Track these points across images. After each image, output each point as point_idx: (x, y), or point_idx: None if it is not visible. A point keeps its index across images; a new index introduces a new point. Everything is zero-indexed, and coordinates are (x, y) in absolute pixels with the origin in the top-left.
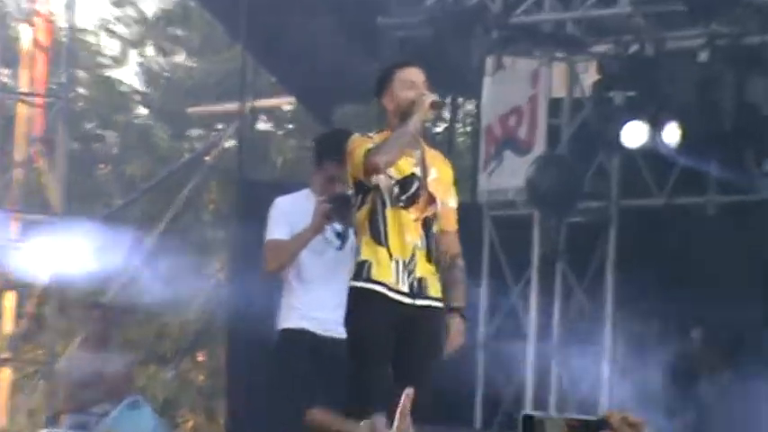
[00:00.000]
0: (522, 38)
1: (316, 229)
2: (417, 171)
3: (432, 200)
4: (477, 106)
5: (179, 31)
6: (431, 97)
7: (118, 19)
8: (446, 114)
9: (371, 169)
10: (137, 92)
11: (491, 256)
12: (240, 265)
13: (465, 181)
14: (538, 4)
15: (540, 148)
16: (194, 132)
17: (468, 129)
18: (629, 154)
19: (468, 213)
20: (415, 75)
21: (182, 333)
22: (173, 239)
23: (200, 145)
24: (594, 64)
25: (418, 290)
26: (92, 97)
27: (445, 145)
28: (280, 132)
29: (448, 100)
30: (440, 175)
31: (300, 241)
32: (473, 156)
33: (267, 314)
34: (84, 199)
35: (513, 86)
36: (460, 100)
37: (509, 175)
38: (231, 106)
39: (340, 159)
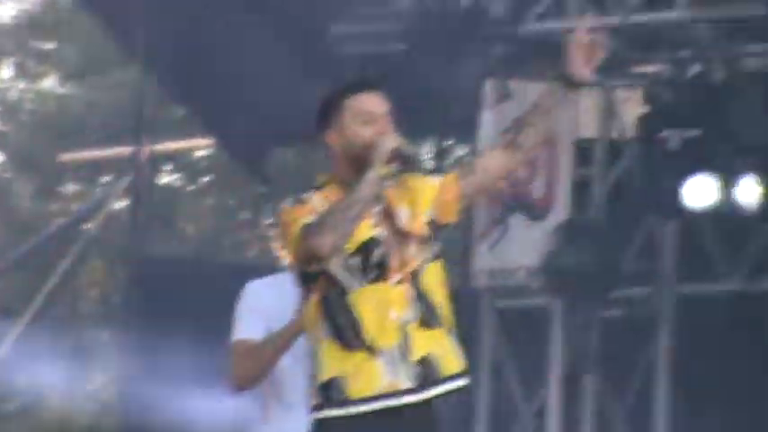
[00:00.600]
0: (535, 54)
1: (295, 327)
2: (377, 231)
3: (410, 246)
4: (473, 151)
5: (48, 44)
6: (393, 141)
7: None
8: (426, 163)
9: (312, 257)
10: None
11: (492, 364)
12: (136, 381)
13: (455, 257)
14: (558, 5)
15: (561, 211)
16: (70, 189)
17: None
18: (689, 220)
19: (460, 303)
20: (373, 103)
21: None
22: (37, 342)
23: (77, 206)
24: (639, 92)
25: (426, 376)
26: None
27: None
28: (191, 188)
29: (426, 147)
30: (416, 205)
31: (278, 343)
32: (466, 222)
33: None
34: None
35: None
36: (448, 143)
37: (518, 250)
38: (122, 151)
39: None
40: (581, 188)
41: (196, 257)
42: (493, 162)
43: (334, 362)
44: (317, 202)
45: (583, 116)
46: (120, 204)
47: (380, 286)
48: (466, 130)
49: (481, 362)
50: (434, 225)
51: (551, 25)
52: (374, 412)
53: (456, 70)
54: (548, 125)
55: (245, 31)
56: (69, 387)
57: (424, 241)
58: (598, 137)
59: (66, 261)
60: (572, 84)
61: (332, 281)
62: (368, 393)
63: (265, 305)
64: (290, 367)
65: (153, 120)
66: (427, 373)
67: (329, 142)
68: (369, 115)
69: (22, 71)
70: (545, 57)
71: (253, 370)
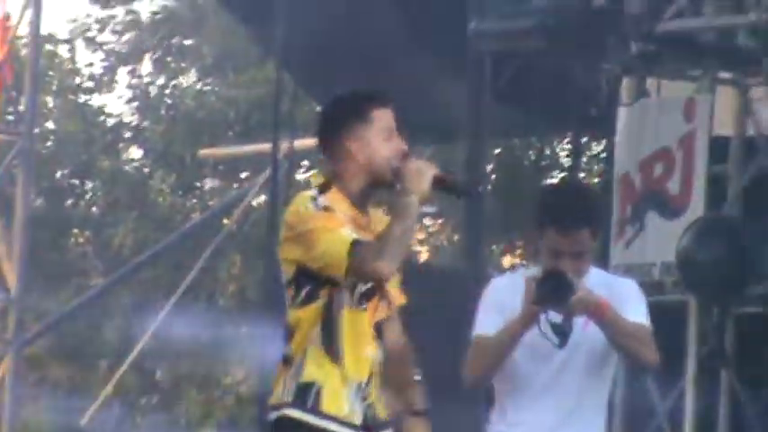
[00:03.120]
0: (672, 52)
1: (524, 319)
2: None
3: (383, 293)
4: (609, 149)
5: (188, 41)
6: (431, 170)
7: (101, 23)
8: (562, 159)
9: (367, 277)
10: (127, 126)
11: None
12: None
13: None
14: (695, 3)
15: (697, 207)
16: (208, 184)
17: (596, 180)
18: None
19: None
20: (392, 119)
21: None
22: (176, 335)
23: (216, 202)
24: None
25: (372, 420)
26: (65, 134)
27: None
28: None
29: (564, 141)
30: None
31: (506, 337)
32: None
33: None
34: (50, 278)
35: (659, 120)
36: (584, 140)
37: (654, 246)
38: (260, 147)
39: (570, 226)
40: (717, 185)
41: None
42: None
43: (318, 369)
44: (335, 202)
45: (718, 114)
46: (258, 200)
47: (362, 317)
48: (603, 125)
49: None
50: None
51: (688, 23)
52: None
53: (593, 68)
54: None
55: (382, 29)
56: (208, 380)
57: (384, 297)
58: (733, 134)
59: (205, 256)
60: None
61: (338, 292)
62: (336, 413)
63: (502, 301)
64: (527, 362)
65: (290, 116)
66: (375, 416)
67: (348, 149)
68: (391, 132)
69: (161, 67)
70: (682, 55)
71: (486, 364)
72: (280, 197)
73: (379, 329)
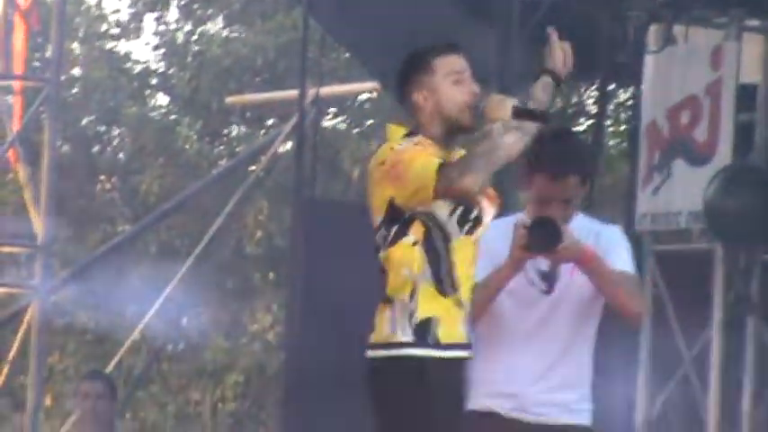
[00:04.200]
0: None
1: (512, 264)
2: None
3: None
4: (636, 96)
5: None
6: (511, 101)
7: None
8: (590, 107)
9: (460, 195)
10: (154, 73)
11: (655, 308)
12: (302, 321)
13: (617, 200)
14: None
15: (724, 155)
16: (235, 131)
17: (623, 127)
18: None
19: None
20: (461, 64)
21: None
22: (203, 283)
23: (243, 149)
24: None
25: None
26: (91, 81)
27: None
28: (356, 131)
29: (592, 88)
30: None
31: (492, 282)
32: (630, 165)
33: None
34: (80, 223)
35: (686, 68)
36: (611, 87)
37: (681, 194)
38: (287, 94)
39: (559, 172)
40: (744, 133)
41: (360, 201)
42: None
43: (430, 303)
44: (427, 146)
45: (746, 61)
46: (285, 147)
47: (470, 240)
48: (630, 72)
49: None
50: None
51: None
52: (456, 360)
53: (619, 15)
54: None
55: None
56: (234, 327)
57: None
58: (761, 82)
59: (232, 203)
60: (557, 79)
61: (436, 225)
62: (455, 340)
63: (492, 247)
64: (512, 308)
65: (318, 63)
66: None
67: (416, 101)
68: (459, 75)
69: (187, 14)
70: (708, 2)
71: (478, 306)
72: (306, 144)
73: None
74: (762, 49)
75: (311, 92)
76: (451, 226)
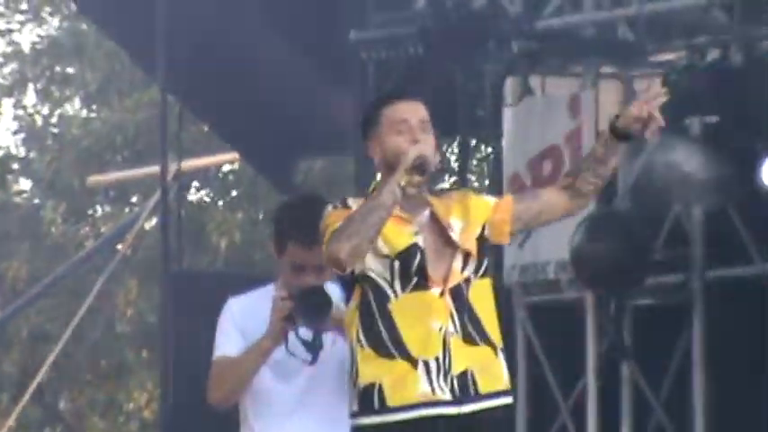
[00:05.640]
0: (553, 49)
1: (273, 337)
2: (419, 239)
3: (457, 259)
4: (497, 149)
5: (70, 69)
6: (415, 150)
7: None
8: (453, 163)
9: (332, 263)
10: (14, 158)
11: (528, 359)
12: (176, 397)
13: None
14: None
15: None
16: (100, 211)
17: (486, 182)
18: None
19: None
20: (407, 112)
21: None
22: (76, 364)
23: (108, 228)
24: (659, 80)
25: (464, 390)
26: None
27: None
28: (220, 203)
29: (454, 144)
30: (470, 220)
31: (253, 356)
32: None
33: None
34: None
35: (545, 118)
36: (472, 142)
37: (547, 245)
38: (149, 171)
39: (311, 240)
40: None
41: (228, 271)
42: (555, 198)
43: (373, 369)
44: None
45: (604, 108)
46: (151, 223)
47: (423, 295)
48: (489, 126)
49: (516, 359)
50: (485, 243)
51: (568, 19)
52: (411, 422)
53: (475, 70)
54: (603, 170)
55: (263, 43)
56: (110, 407)
57: (472, 256)
58: None
59: (100, 282)
60: (623, 137)
61: (372, 287)
62: (406, 402)
63: (244, 321)
64: (271, 382)
65: (178, 137)
66: (465, 388)
67: (371, 153)
68: (403, 124)
69: (45, 96)
70: (563, 51)
71: (231, 385)
72: (171, 219)
73: (456, 294)
74: (618, 94)
75: (172, 167)
76: (388, 285)
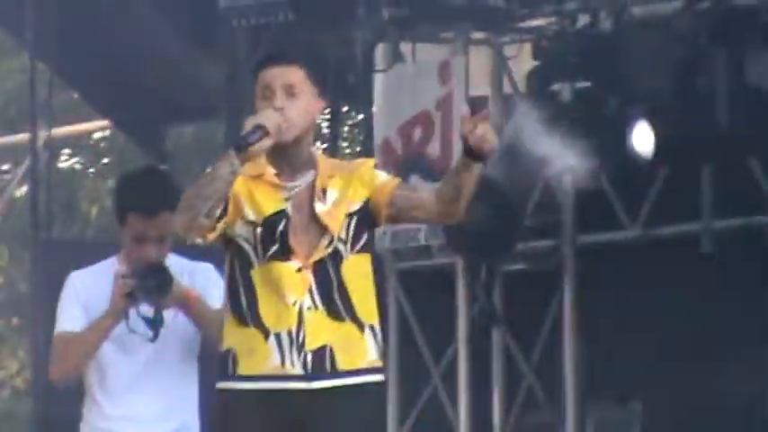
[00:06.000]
0: (424, 15)
1: (114, 314)
2: (288, 206)
3: (323, 232)
4: (367, 116)
5: None
6: (250, 121)
7: None
8: (324, 129)
9: (174, 236)
10: None
11: (400, 326)
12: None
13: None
14: None
15: None
16: None
17: (358, 149)
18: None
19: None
20: (272, 76)
21: None
22: None
23: None
24: (529, 46)
25: (316, 367)
26: None
27: None
28: (91, 171)
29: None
30: (347, 193)
31: (94, 333)
32: None
33: None
34: None
35: (416, 85)
36: (343, 109)
37: None
38: (19, 138)
39: (150, 210)
40: None
41: (99, 239)
42: (432, 200)
43: (232, 335)
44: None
45: (474, 74)
46: (21, 191)
47: (280, 266)
48: (360, 92)
49: (388, 325)
50: (363, 218)
51: None
52: (260, 393)
53: (345, 36)
54: (460, 185)
55: (133, 11)
56: None
57: (329, 232)
58: (490, 93)
59: None
60: (474, 155)
61: (238, 253)
62: (254, 372)
63: (87, 296)
64: (113, 356)
65: (48, 105)
66: (320, 364)
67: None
68: (267, 89)
69: None
70: (434, 17)
71: (73, 361)
72: (41, 186)
73: (318, 269)
74: (489, 61)
75: (43, 134)
76: (251, 252)
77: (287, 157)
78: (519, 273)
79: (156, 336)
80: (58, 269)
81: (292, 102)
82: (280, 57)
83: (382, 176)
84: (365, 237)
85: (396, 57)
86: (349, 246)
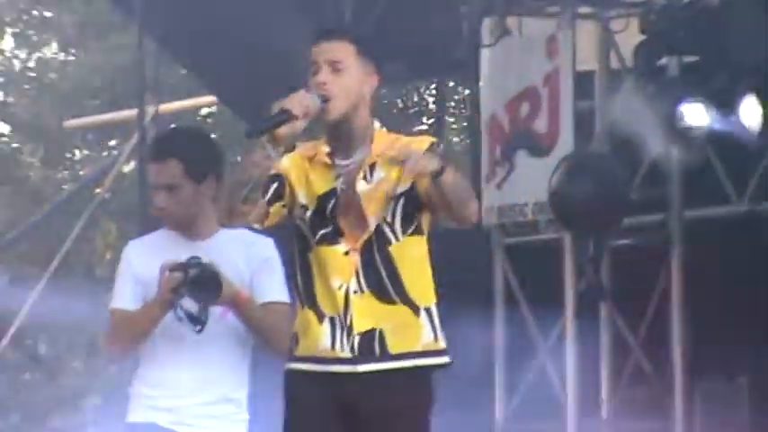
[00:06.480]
0: None
1: (162, 306)
2: (338, 185)
3: (377, 206)
4: (474, 91)
5: (47, 13)
6: (277, 104)
7: None
8: (431, 105)
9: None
10: None
11: (507, 300)
12: None
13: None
14: None
15: (566, 144)
16: (78, 154)
17: (464, 124)
18: (693, 145)
19: (471, 241)
20: (319, 53)
21: None
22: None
23: (87, 172)
24: (636, 21)
25: (364, 350)
26: None
27: None
28: None
29: (432, 86)
30: (389, 173)
31: (145, 320)
32: (472, 161)
33: None
34: None
35: (523, 60)
36: (451, 84)
37: (525, 186)
38: (127, 114)
39: (156, 154)
40: (584, 120)
41: None
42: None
43: (298, 316)
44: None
45: (581, 49)
46: (129, 167)
47: (329, 250)
48: (467, 68)
49: (495, 300)
50: (412, 200)
51: None
52: (312, 374)
53: (452, 12)
54: (438, 197)
55: None
56: (91, 351)
57: (387, 212)
58: (597, 68)
59: (79, 226)
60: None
61: (298, 235)
62: (308, 353)
63: (141, 267)
64: (162, 342)
65: (156, 80)
66: (369, 347)
67: None
68: (314, 65)
69: (23, 41)
70: None
71: (126, 341)
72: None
73: (365, 252)
74: (596, 35)
75: (151, 110)
76: (308, 234)
77: (339, 135)
78: (626, 247)
79: (201, 330)
80: None
81: (337, 77)
82: (328, 33)
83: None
84: (416, 219)
85: (502, 31)
86: (399, 228)
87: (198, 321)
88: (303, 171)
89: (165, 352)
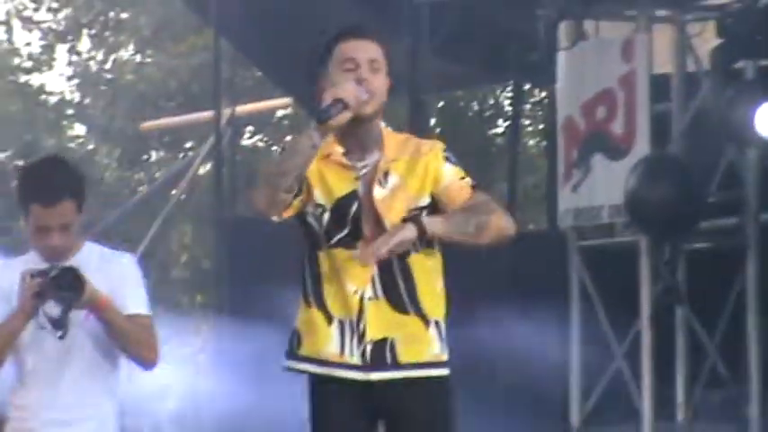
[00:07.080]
0: None
1: (23, 314)
2: (359, 187)
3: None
4: (551, 94)
5: (123, 15)
6: (330, 93)
7: (36, 2)
8: (506, 107)
9: (257, 213)
10: (68, 103)
11: (582, 304)
12: (229, 342)
13: (539, 200)
14: None
15: (642, 147)
16: (154, 156)
17: (540, 126)
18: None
19: (547, 244)
20: (357, 49)
21: None
22: None
23: (162, 173)
24: (712, 24)
25: (376, 359)
26: (6, 115)
27: (506, 150)
28: (274, 148)
29: (508, 88)
30: (404, 181)
31: (6, 332)
32: (549, 163)
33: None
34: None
35: (599, 63)
36: (527, 87)
37: (602, 189)
38: (203, 116)
39: (50, 199)
40: (661, 123)
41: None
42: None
43: (301, 315)
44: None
45: (658, 52)
46: (205, 168)
47: (346, 253)
48: (544, 71)
49: (570, 303)
50: (431, 215)
51: None
52: (318, 377)
53: (529, 14)
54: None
55: None
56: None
57: (410, 221)
58: (674, 71)
59: (154, 228)
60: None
61: (309, 234)
62: (314, 354)
63: (6, 288)
64: (25, 351)
65: (231, 82)
66: (380, 356)
67: (319, 88)
68: (351, 62)
69: (99, 42)
70: None
71: None
72: (225, 164)
73: (390, 257)
74: (672, 38)
75: (227, 112)
76: (321, 233)
77: (358, 135)
78: (702, 250)
79: (63, 335)
80: (242, 247)
81: (374, 76)
82: (363, 31)
83: (447, 174)
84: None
85: (579, 34)
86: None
87: (60, 325)
88: (318, 169)
89: (32, 364)
